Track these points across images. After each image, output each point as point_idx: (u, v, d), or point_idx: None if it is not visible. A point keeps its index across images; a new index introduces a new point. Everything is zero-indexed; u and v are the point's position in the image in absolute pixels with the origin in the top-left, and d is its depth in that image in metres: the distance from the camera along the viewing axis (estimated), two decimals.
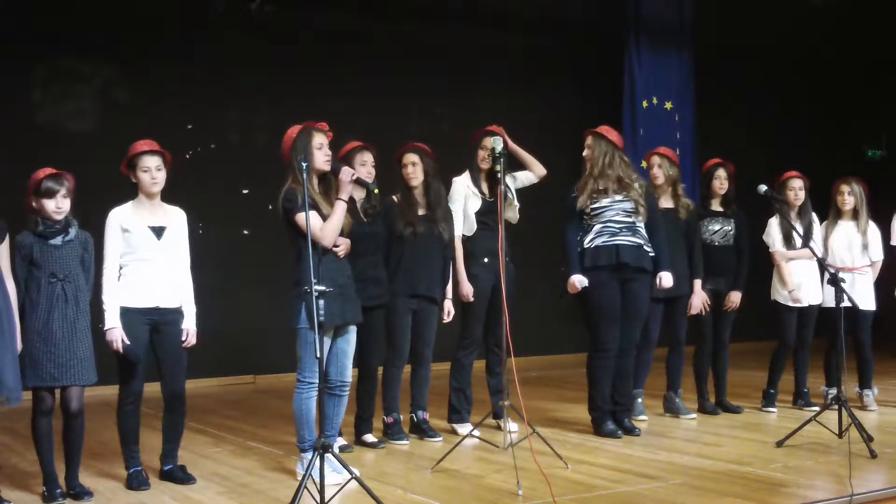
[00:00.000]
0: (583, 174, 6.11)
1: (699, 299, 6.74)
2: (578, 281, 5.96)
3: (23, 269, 4.70)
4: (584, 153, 6.10)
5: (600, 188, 5.99)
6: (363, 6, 9.53)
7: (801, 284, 6.93)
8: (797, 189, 6.96)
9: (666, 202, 6.66)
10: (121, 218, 4.92)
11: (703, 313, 6.82)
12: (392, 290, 5.90)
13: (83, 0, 8.44)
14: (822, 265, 6.51)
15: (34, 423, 4.73)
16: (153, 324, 4.95)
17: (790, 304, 6.93)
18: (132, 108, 8.67)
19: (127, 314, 4.87)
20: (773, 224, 7.01)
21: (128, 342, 4.83)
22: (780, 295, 6.98)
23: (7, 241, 4.63)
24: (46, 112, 8.45)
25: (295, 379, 5.05)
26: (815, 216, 7.00)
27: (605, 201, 5.98)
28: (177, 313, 5.00)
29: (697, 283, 6.74)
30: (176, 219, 5.05)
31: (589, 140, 6.10)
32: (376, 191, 5.40)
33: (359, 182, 5.11)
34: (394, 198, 6.03)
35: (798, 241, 6.87)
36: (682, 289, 6.61)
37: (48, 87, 8.49)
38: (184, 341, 5.00)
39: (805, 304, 6.96)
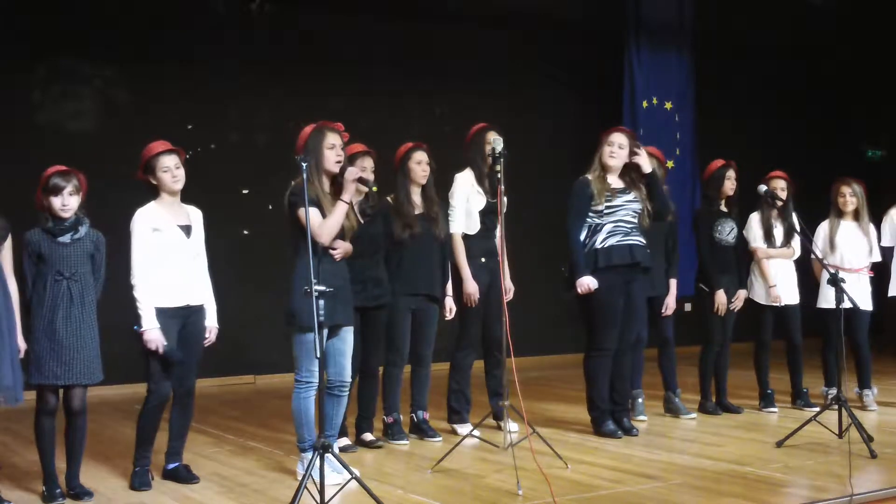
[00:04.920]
0: (593, 169, 6.03)
1: (674, 299, 6.74)
2: (590, 282, 5.90)
3: (30, 266, 4.69)
4: (623, 149, 5.97)
5: (618, 186, 5.99)
6: (363, 6, 9.52)
7: (776, 284, 6.93)
8: (780, 189, 6.95)
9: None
10: (150, 218, 4.90)
11: (722, 313, 6.83)
12: (392, 290, 5.90)
13: (83, 0, 8.44)
14: (823, 266, 6.51)
15: (37, 421, 4.73)
16: (182, 322, 4.96)
17: (768, 302, 6.93)
18: (132, 108, 8.67)
19: (161, 314, 4.86)
20: (755, 220, 6.99)
21: (166, 343, 4.83)
22: (756, 294, 6.98)
23: (10, 240, 4.63)
24: (46, 112, 8.44)
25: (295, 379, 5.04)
26: (795, 218, 6.97)
27: (619, 200, 5.97)
28: (201, 310, 5.03)
29: (673, 282, 6.74)
30: (197, 217, 5.08)
31: (623, 138, 6.01)
32: (374, 189, 5.39)
33: (361, 181, 5.11)
34: (388, 199, 6.02)
35: (778, 240, 6.90)
36: (663, 289, 6.66)
37: (48, 87, 8.48)
38: (206, 339, 5.04)
39: (781, 304, 6.95)
